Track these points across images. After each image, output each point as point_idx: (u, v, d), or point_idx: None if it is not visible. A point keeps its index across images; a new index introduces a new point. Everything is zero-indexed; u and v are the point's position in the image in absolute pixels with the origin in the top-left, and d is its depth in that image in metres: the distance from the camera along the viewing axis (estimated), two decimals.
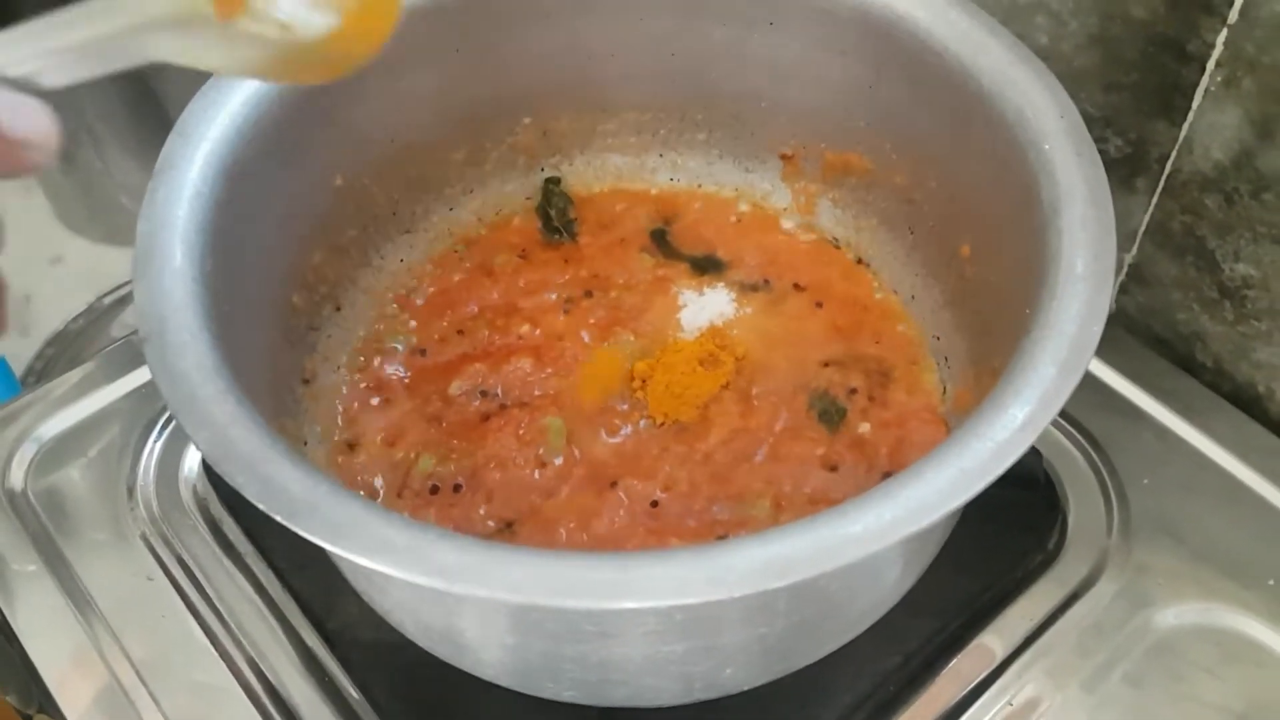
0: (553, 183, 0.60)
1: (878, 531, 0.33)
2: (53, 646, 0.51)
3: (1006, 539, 0.54)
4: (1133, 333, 0.63)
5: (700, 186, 0.60)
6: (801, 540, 0.33)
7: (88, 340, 0.86)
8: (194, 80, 0.84)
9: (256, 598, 0.52)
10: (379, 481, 0.50)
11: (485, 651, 0.41)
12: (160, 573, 0.53)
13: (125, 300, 0.88)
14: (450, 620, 0.40)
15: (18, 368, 0.84)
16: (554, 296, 0.57)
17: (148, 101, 0.84)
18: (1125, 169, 0.58)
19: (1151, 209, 0.58)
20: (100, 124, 0.84)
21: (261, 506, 0.34)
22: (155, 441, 0.57)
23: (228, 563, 0.54)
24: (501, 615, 0.38)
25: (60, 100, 0.79)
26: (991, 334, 0.47)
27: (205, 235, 0.40)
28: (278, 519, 0.33)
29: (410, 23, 0.49)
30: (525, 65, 0.54)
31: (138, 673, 0.50)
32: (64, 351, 0.86)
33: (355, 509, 0.34)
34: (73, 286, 0.88)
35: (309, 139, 0.47)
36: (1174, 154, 0.55)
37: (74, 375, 0.60)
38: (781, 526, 0.33)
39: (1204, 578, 0.52)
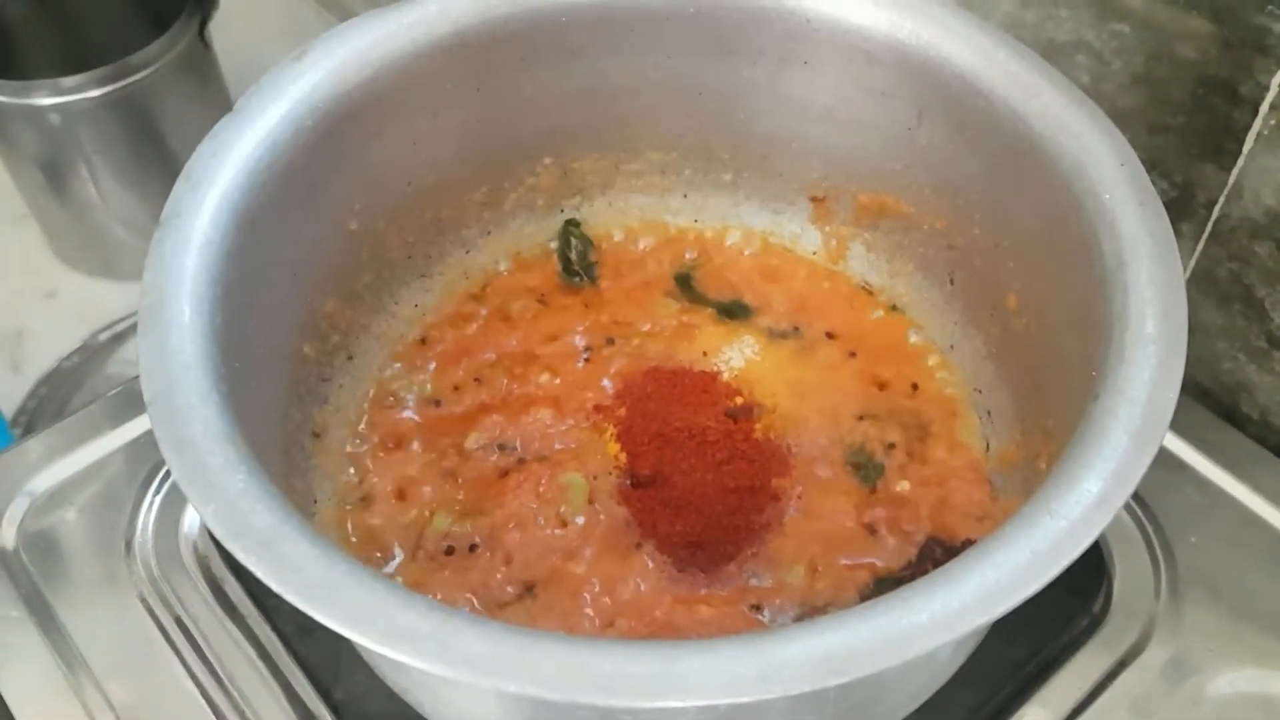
0: (573, 224, 0.57)
1: (945, 621, 0.30)
2: (44, 715, 0.48)
3: (1051, 602, 0.50)
4: None
5: (726, 229, 0.58)
6: (861, 631, 0.30)
7: (82, 378, 0.84)
8: (194, 114, 0.82)
9: (260, 663, 0.50)
10: (392, 543, 0.47)
11: None
12: (159, 635, 0.51)
13: (121, 337, 0.85)
14: (473, 704, 0.37)
15: (9, 407, 0.82)
16: (574, 343, 0.54)
17: (146, 133, 0.82)
18: (1170, 214, 0.54)
19: (1197, 255, 0.56)
20: (97, 156, 0.82)
21: (276, 589, 0.31)
22: (155, 495, 0.55)
23: (230, 625, 0.51)
24: (529, 703, 0.35)
25: (57, 131, 0.76)
26: (1043, 391, 0.45)
27: (215, 287, 0.38)
28: (293, 603, 0.31)
29: (431, 59, 0.48)
30: (548, 104, 0.52)
31: None
32: (57, 390, 0.83)
33: (376, 591, 0.31)
34: (67, 322, 0.85)
35: (323, 183, 0.45)
36: (1222, 199, 0.53)
37: (69, 423, 0.57)
38: (837, 615, 0.31)
39: (1255, 642, 0.50)
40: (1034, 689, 0.49)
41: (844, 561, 0.47)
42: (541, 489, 0.49)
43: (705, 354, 0.54)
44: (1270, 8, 0.47)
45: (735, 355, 0.54)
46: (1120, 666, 0.49)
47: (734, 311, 0.56)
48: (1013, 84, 0.44)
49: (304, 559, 0.32)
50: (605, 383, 0.53)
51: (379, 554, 0.47)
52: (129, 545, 0.53)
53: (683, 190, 0.57)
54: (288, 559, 0.32)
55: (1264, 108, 0.49)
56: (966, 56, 0.45)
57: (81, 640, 0.50)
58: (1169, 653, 0.50)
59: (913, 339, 0.54)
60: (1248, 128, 0.50)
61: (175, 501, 0.55)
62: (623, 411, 0.51)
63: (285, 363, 0.45)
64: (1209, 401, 0.59)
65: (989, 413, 0.50)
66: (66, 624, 0.51)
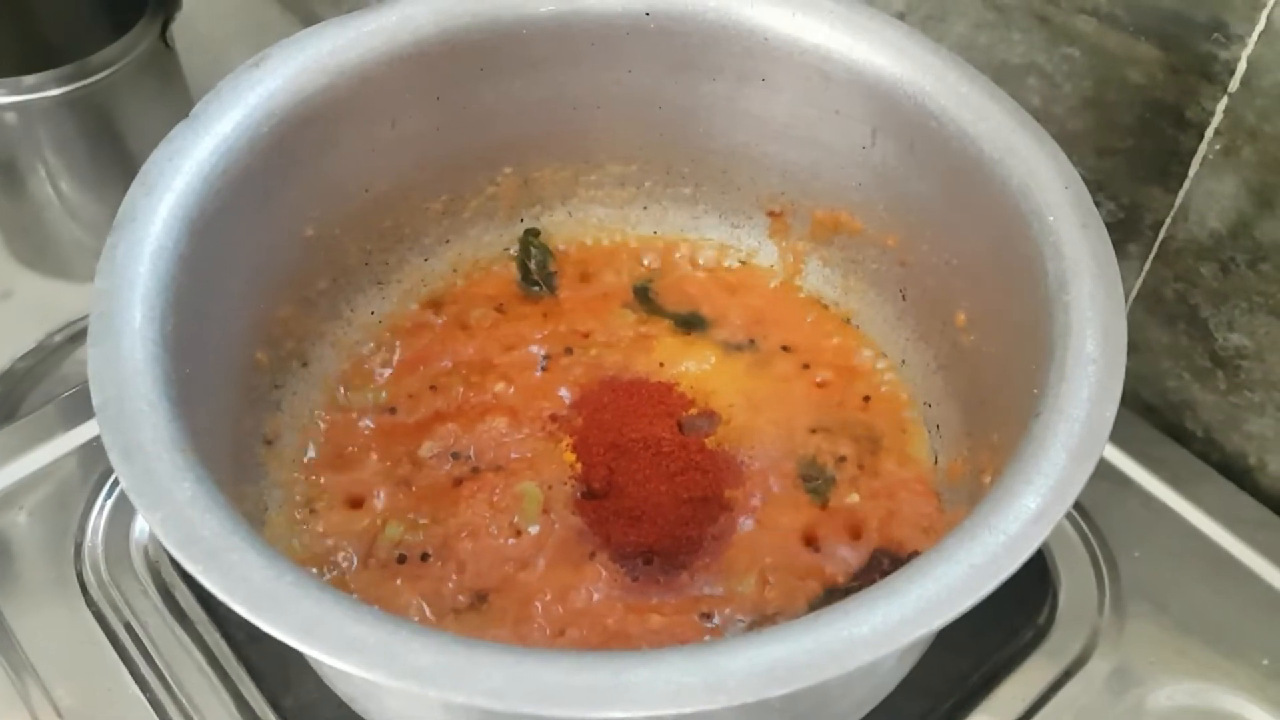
0: (532, 234, 0.57)
1: (885, 633, 0.31)
2: None
3: (997, 614, 0.51)
4: (1121, 400, 0.61)
5: (685, 241, 0.58)
6: (804, 642, 0.31)
7: (37, 379, 0.83)
8: (155, 113, 0.81)
9: (209, 669, 0.49)
10: (344, 551, 0.47)
11: None
12: (107, 640, 0.50)
13: (77, 338, 0.84)
14: (419, 713, 0.38)
15: None
16: (532, 352, 0.55)
17: (106, 134, 0.81)
18: (1117, 234, 0.56)
19: (1143, 275, 0.57)
20: (55, 156, 0.81)
21: (223, 598, 0.31)
22: (106, 499, 0.54)
23: (180, 631, 0.50)
24: (476, 714, 0.35)
25: (14, 130, 0.76)
26: (989, 406, 0.46)
27: (168, 293, 0.38)
28: (240, 612, 0.31)
29: (390, 68, 0.48)
30: (509, 115, 0.52)
31: None
32: (11, 391, 0.82)
33: (323, 602, 0.31)
34: (22, 323, 0.84)
35: (280, 189, 0.45)
36: (1168, 221, 0.54)
37: (21, 425, 0.57)
38: (781, 627, 0.31)
39: (1197, 655, 0.51)
40: (979, 699, 0.49)
41: (794, 572, 0.47)
42: (495, 498, 0.49)
43: (662, 365, 0.54)
44: (1216, 35, 0.48)
45: (692, 367, 0.54)
46: (1064, 678, 0.50)
47: (691, 323, 0.56)
48: (963, 106, 0.45)
49: (251, 568, 0.32)
50: (562, 392, 0.53)
51: (330, 562, 0.47)
52: (79, 549, 0.53)
53: (642, 202, 0.58)
54: (235, 568, 0.32)
55: (1209, 133, 0.50)
56: (919, 78, 0.46)
57: (29, 644, 0.50)
58: (1112, 665, 0.51)
59: (865, 353, 0.55)
60: (1193, 152, 0.51)
61: (126, 506, 0.54)
62: (579, 421, 0.51)
63: (238, 369, 0.45)
64: (1154, 418, 0.60)
65: (938, 427, 0.51)
66: (14, 628, 0.50)
